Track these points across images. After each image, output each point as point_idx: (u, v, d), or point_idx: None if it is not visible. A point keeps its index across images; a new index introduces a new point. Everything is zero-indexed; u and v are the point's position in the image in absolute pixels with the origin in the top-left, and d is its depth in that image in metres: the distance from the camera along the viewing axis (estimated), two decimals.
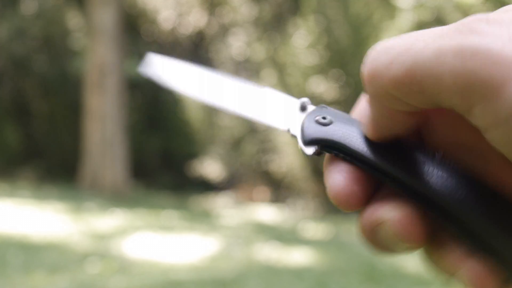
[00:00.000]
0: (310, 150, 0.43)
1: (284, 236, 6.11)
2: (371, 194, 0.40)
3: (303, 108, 0.45)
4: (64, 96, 11.88)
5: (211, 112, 12.33)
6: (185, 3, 13.03)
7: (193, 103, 12.26)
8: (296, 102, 0.46)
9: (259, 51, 11.53)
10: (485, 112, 0.33)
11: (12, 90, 12.30)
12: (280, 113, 0.46)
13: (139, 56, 11.95)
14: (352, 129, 0.41)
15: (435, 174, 0.38)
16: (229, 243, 5.31)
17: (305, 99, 0.45)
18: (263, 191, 11.23)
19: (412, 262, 4.91)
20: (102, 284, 3.63)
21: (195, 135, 12.34)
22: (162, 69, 0.53)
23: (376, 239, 0.39)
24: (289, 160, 10.45)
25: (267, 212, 8.92)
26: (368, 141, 0.40)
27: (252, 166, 11.42)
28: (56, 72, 11.89)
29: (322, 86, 9.80)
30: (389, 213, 0.38)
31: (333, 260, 4.86)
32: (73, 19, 12.34)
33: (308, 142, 0.43)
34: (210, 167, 11.95)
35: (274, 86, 10.34)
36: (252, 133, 11.40)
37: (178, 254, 4.74)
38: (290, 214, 9.06)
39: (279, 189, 10.98)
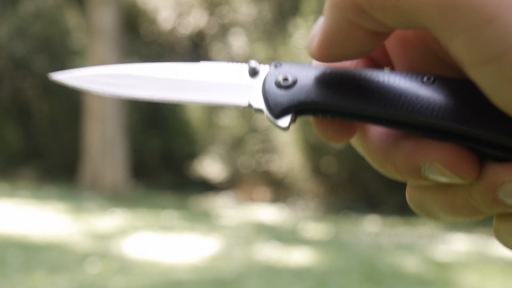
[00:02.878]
0: (284, 122, 0.37)
1: (284, 236, 6.11)
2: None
3: (254, 73, 0.40)
4: (64, 96, 11.88)
5: (211, 112, 12.32)
6: (185, 3, 13.03)
7: (193, 103, 12.25)
8: (243, 68, 0.40)
9: (259, 51, 11.52)
10: (470, 44, 0.28)
11: (12, 90, 12.30)
12: (230, 86, 0.40)
13: (139, 56, 11.97)
14: (321, 80, 0.36)
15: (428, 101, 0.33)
16: (229, 243, 5.31)
17: (252, 62, 0.40)
18: (263, 191, 11.22)
19: (412, 262, 4.91)
20: (102, 284, 3.63)
21: (195, 135, 12.34)
22: (79, 74, 0.46)
23: (420, 174, 0.34)
24: (289, 160, 10.45)
25: (267, 212, 8.92)
26: (345, 86, 0.35)
27: (252, 166, 11.42)
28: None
29: None
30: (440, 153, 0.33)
31: (333, 260, 4.86)
32: (73, 19, 12.34)
33: (278, 114, 0.37)
34: (210, 167, 11.95)
35: None
36: (252, 133, 11.40)
37: (178, 254, 4.74)
38: (290, 214, 9.06)
39: (279, 189, 10.98)
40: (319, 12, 9.87)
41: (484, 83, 0.30)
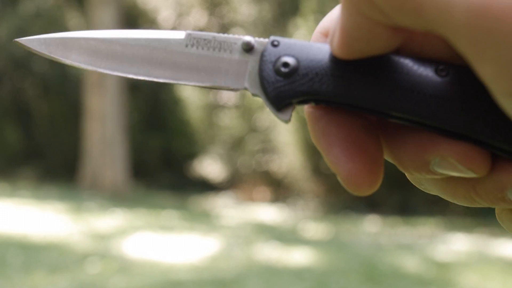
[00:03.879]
0: (286, 116, 0.34)
1: (284, 236, 6.11)
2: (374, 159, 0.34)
3: (249, 49, 0.36)
4: (64, 96, 11.88)
5: (211, 112, 12.33)
6: (185, 3, 13.03)
7: (193, 103, 12.27)
8: (236, 42, 0.36)
9: None
10: (498, 75, 0.27)
11: (12, 90, 12.30)
12: (223, 62, 0.36)
13: None
14: (324, 65, 0.33)
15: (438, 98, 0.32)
16: (229, 243, 5.31)
17: (248, 37, 0.36)
18: (263, 191, 11.23)
19: (412, 262, 4.91)
20: (102, 284, 3.63)
21: (195, 135, 12.34)
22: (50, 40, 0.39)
23: (428, 168, 0.33)
24: (289, 160, 10.45)
25: (267, 212, 8.92)
26: (350, 73, 0.33)
27: (252, 166, 11.42)
28: (56, 72, 11.89)
29: None
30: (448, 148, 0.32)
31: (333, 260, 4.86)
32: (73, 19, 12.34)
33: (279, 107, 0.34)
34: (210, 167, 11.95)
35: None
36: (252, 133, 11.40)
37: (178, 254, 4.74)
38: (290, 214, 9.06)
39: (279, 189, 10.98)
40: (319, 12, 9.88)
41: (510, 112, 0.29)
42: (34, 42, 0.39)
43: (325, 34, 0.35)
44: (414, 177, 0.36)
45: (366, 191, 0.33)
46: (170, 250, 4.90)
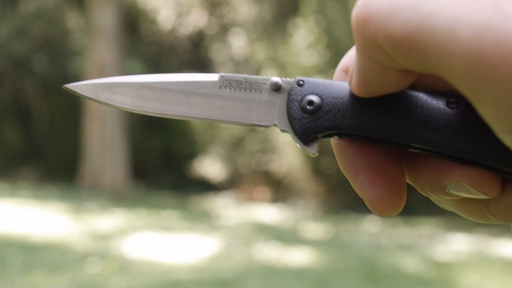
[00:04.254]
0: (313, 149, 0.38)
1: (284, 236, 6.11)
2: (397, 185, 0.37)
3: (277, 89, 0.39)
4: (64, 96, 11.87)
5: None
6: (185, 3, 13.03)
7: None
8: (265, 82, 0.39)
9: (259, 51, 11.53)
10: (497, 115, 0.29)
11: (12, 90, 12.30)
12: (252, 103, 0.39)
13: (139, 56, 11.96)
14: (346, 103, 0.36)
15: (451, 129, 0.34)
16: (229, 243, 5.31)
17: (275, 78, 0.39)
18: (263, 191, 11.23)
19: (412, 262, 4.91)
20: (102, 284, 3.63)
21: (195, 135, 12.34)
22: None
23: (444, 190, 0.36)
24: (289, 160, 10.45)
25: (267, 212, 8.92)
26: (370, 109, 0.36)
27: (252, 166, 11.42)
28: (56, 72, 11.89)
29: None
30: (461, 173, 0.35)
31: (333, 260, 4.86)
32: (73, 19, 12.34)
33: (306, 142, 0.38)
34: (210, 167, 11.95)
35: None
36: (252, 133, 11.40)
37: (178, 254, 4.74)
38: (290, 214, 9.06)
39: (279, 189, 10.98)
40: (319, 12, 9.88)
41: (511, 145, 0.31)
42: (81, 87, 0.44)
43: (346, 71, 0.38)
44: (434, 197, 0.39)
45: (391, 213, 0.37)
46: (170, 250, 4.90)
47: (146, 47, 12.55)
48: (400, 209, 0.37)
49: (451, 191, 0.36)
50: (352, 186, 0.37)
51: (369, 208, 0.37)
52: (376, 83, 0.33)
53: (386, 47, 0.31)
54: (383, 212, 0.36)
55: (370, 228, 7.31)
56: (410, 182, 0.38)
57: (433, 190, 0.36)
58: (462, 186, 0.35)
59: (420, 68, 0.31)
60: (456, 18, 0.28)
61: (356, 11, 0.31)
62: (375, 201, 0.36)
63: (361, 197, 0.37)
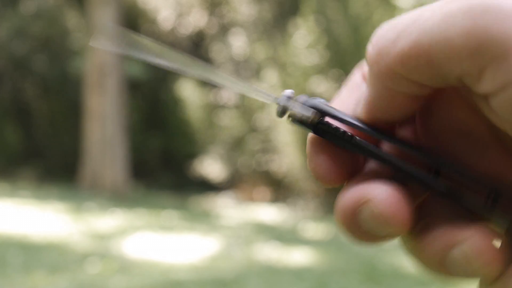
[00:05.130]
0: (308, 111, 0.39)
1: (284, 236, 6.11)
2: (353, 171, 0.38)
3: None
4: (64, 96, 11.88)
5: (211, 112, 12.33)
6: (185, 3, 13.03)
7: (193, 103, 12.27)
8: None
9: (259, 51, 11.52)
10: (496, 73, 0.31)
11: (12, 90, 12.30)
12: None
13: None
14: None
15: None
16: (229, 243, 5.31)
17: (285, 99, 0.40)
18: (263, 191, 11.22)
19: (412, 262, 4.90)
20: (102, 284, 3.63)
21: (195, 135, 12.34)
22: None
23: (357, 222, 0.35)
24: (289, 160, 10.45)
25: (267, 212, 8.92)
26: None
27: (252, 166, 11.42)
28: (56, 72, 11.89)
29: (322, 86, 9.80)
30: (375, 191, 0.34)
31: (333, 260, 4.86)
32: (73, 19, 12.34)
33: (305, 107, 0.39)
34: (210, 167, 11.95)
35: (274, 86, 10.34)
36: (252, 133, 11.40)
37: (178, 254, 4.74)
38: (290, 214, 9.06)
39: (279, 189, 10.98)
40: (319, 12, 9.88)
41: (506, 109, 0.32)
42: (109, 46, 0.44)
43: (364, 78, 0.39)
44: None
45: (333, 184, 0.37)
46: (170, 250, 4.90)
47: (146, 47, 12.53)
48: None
49: (364, 215, 0.34)
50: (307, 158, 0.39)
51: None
52: (382, 111, 0.36)
53: (398, 67, 0.33)
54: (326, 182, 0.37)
55: None
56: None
57: (346, 215, 0.35)
58: (370, 209, 0.34)
59: (429, 74, 0.32)
60: (448, 10, 0.31)
61: (371, 48, 0.34)
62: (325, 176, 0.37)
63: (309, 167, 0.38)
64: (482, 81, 0.31)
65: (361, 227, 0.35)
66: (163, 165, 12.20)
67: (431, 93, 0.35)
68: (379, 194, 0.34)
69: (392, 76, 0.33)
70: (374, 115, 0.36)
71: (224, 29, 12.88)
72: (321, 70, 9.85)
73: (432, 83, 0.33)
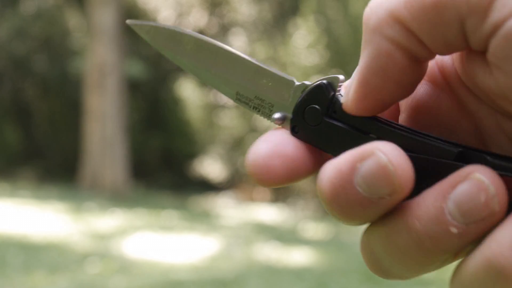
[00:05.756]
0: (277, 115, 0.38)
1: (284, 236, 6.11)
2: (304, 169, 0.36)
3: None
4: (64, 96, 11.88)
5: (211, 112, 12.33)
6: (185, 3, 13.03)
7: (193, 103, 12.27)
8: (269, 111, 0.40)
9: (259, 51, 11.52)
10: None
11: (12, 90, 12.30)
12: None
13: (139, 56, 11.94)
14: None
15: None
16: (229, 243, 5.31)
17: (277, 115, 0.38)
18: (263, 191, 11.23)
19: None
20: (102, 284, 3.63)
21: (195, 135, 12.34)
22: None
23: (352, 182, 0.32)
24: None
25: (267, 212, 8.92)
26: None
27: None
28: (56, 72, 11.89)
29: None
30: (380, 144, 0.32)
31: (333, 260, 4.86)
32: (73, 19, 12.34)
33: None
34: (210, 167, 11.95)
35: None
36: (252, 133, 11.40)
37: (178, 254, 4.74)
38: (290, 214, 9.06)
39: (279, 189, 10.98)
40: (319, 12, 9.88)
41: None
42: (145, 27, 0.44)
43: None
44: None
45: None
46: (170, 250, 4.90)
47: (146, 47, 12.54)
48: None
49: (365, 172, 0.32)
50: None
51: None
52: (377, 89, 0.33)
53: (402, 12, 0.31)
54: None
55: None
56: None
57: (341, 175, 0.32)
58: (375, 161, 0.31)
59: (437, 27, 0.31)
60: None
61: (369, 5, 0.33)
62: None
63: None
64: (492, 11, 0.30)
65: (356, 188, 0.32)
66: (163, 165, 12.20)
67: (423, 70, 0.33)
68: (385, 145, 0.31)
69: (393, 22, 0.31)
70: (366, 99, 0.33)
71: (224, 29, 12.88)
72: (321, 70, 9.85)
73: (431, 38, 0.31)
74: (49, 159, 11.95)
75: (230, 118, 11.96)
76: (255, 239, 5.67)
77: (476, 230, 0.30)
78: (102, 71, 9.55)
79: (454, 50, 0.32)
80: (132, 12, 12.17)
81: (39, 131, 12.21)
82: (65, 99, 11.84)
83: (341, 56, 9.72)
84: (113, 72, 9.63)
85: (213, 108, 12.34)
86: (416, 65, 0.33)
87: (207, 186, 11.65)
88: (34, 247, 4.71)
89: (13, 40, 11.76)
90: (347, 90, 0.34)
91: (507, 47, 0.30)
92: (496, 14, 0.29)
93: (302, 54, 10.14)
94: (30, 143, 12.16)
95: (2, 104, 12.11)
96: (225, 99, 12.24)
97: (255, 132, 11.29)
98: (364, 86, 0.33)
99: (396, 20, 0.31)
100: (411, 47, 0.32)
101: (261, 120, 11.24)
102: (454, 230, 0.30)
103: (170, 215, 7.29)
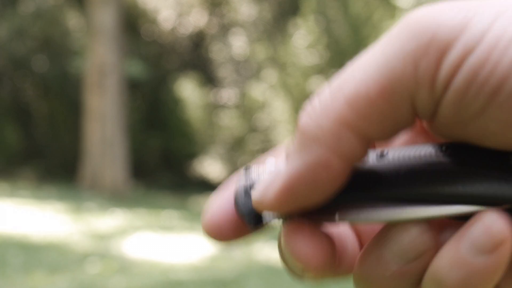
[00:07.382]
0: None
1: None
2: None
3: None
4: (64, 96, 11.88)
5: (211, 112, 12.33)
6: (185, 3, 13.03)
7: (193, 103, 12.27)
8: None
9: (259, 51, 11.53)
10: (451, 56, 0.28)
11: (12, 90, 12.30)
12: None
13: (139, 56, 11.94)
14: None
15: None
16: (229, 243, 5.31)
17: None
18: None
19: None
20: (102, 284, 3.63)
21: (195, 135, 12.34)
22: None
23: None
24: None
25: None
26: None
27: None
28: (56, 72, 11.89)
29: (322, 86, 9.81)
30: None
31: None
32: (73, 19, 12.34)
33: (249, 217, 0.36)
34: (210, 167, 11.95)
35: (274, 86, 10.35)
36: (252, 133, 11.40)
37: (178, 254, 4.74)
38: None
39: None
40: (319, 12, 9.88)
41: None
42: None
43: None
44: None
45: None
46: (170, 250, 4.90)
47: (146, 47, 12.55)
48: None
49: None
50: None
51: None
52: (302, 198, 0.30)
53: (348, 114, 0.29)
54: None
55: None
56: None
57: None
58: None
59: (389, 113, 0.29)
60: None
61: (305, 109, 0.31)
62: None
63: None
64: (440, 71, 0.28)
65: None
66: (163, 165, 12.20)
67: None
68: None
69: (338, 131, 0.28)
70: (288, 199, 0.31)
71: (224, 29, 12.88)
72: (321, 70, 9.85)
73: (381, 128, 0.29)
74: (49, 159, 11.95)
75: (230, 118, 11.96)
76: (255, 239, 5.67)
77: None
78: (102, 71, 9.55)
79: (403, 129, 0.30)
80: (132, 12, 12.18)
81: (39, 131, 12.22)
82: (65, 99, 11.84)
83: (341, 56, 9.72)
84: (113, 72, 9.63)
85: (213, 108, 12.34)
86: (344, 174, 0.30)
87: (207, 186, 11.65)
88: (34, 247, 4.71)
89: (13, 40, 11.76)
90: (263, 188, 0.32)
91: (455, 113, 0.28)
92: (442, 76, 0.28)
93: (302, 54, 10.14)
94: (30, 143, 12.16)
95: (2, 104, 12.11)
96: (225, 99, 12.25)
97: (255, 132, 11.30)
98: (288, 193, 0.30)
99: (343, 126, 0.29)
100: (357, 148, 0.29)
101: (261, 120, 11.25)
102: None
103: (170, 215, 7.29)
